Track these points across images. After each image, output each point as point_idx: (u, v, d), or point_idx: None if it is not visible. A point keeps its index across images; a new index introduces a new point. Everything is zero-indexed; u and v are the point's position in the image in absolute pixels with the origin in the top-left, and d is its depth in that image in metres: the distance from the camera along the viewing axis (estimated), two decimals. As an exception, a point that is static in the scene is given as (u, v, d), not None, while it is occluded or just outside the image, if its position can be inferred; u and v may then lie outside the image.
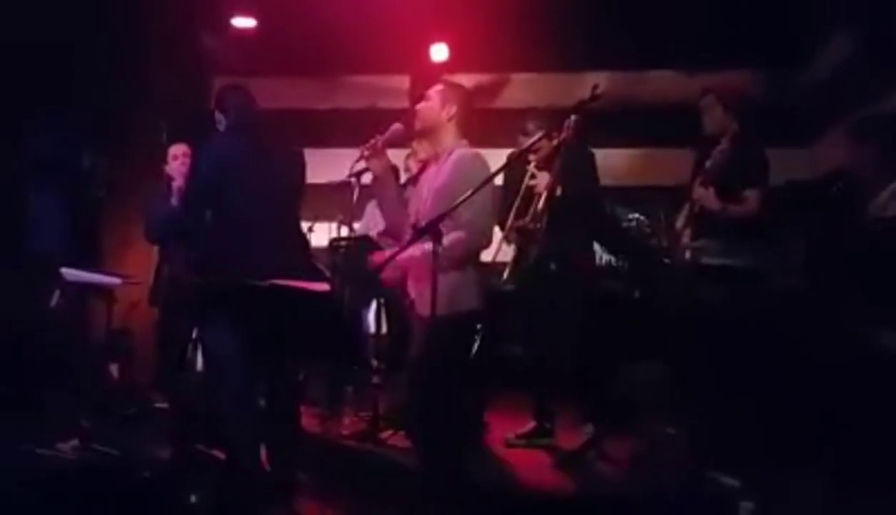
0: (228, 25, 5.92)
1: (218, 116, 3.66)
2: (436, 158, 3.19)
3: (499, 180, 3.48)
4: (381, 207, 3.25)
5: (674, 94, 5.60)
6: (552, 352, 4.20)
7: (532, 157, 4.20)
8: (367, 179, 4.48)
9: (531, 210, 4.13)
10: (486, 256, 4.35)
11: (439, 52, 6.00)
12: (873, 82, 4.64)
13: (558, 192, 4.09)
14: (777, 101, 5.47)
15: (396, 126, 3.11)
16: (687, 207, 4.06)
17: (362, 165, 3.25)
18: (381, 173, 3.13)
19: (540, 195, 4.12)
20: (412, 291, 3.08)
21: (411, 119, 3.19)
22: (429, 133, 3.18)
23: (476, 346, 3.31)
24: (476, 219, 2.93)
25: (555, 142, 4.12)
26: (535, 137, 3.84)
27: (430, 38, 5.98)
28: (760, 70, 5.57)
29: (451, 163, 3.07)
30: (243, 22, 5.90)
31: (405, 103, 6.25)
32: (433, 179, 3.14)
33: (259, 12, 5.87)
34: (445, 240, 2.79)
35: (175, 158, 4.58)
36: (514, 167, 4.23)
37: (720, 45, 5.42)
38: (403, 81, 6.39)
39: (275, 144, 3.68)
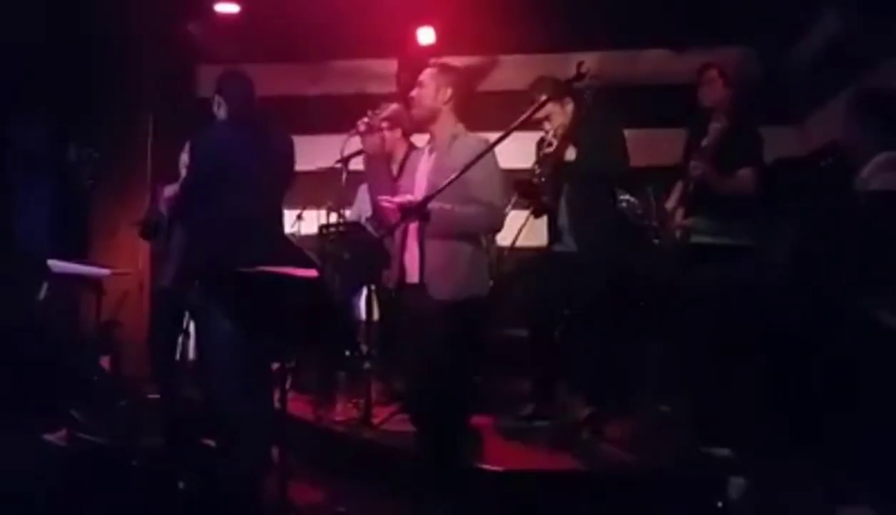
0: (212, 11, 5.85)
1: (218, 99, 3.65)
2: (433, 143, 3.16)
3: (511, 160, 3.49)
4: (371, 186, 3.22)
5: (663, 73, 5.58)
6: (554, 333, 4.19)
7: (548, 125, 4.10)
8: (355, 164, 4.49)
9: (537, 172, 4.03)
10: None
11: (426, 35, 5.95)
12: (861, 60, 4.63)
13: (569, 156, 4.00)
14: (765, 79, 5.45)
15: (394, 106, 3.11)
16: (679, 186, 4.05)
17: (357, 144, 3.23)
18: (374, 152, 3.13)
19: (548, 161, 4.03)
20: (418, 273, 3.03)
21: (408, 103, 3.16)
22: (426, 119, 3.14)
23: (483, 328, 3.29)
24: (491, 200, 2.95)
25: (568, 107, 4.07)
26: (537, 104, 3.75)
27: (417, 22, 5.93)
28: (749, 48, 5.55)
29: (456, 148, 3.03)
30: (226, 7, 5.84)
31: (393, 88, 6.21)
32: (434, 164, 3.09)
33: (242, -3, 5.82)
34: (465, 209, 2.86)
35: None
36: (539, 144, 4.17)
37: (709, 24, 5.40)
38: (391, 66, 6.34)
39: (270, 133, 3.69)
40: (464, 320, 2.96)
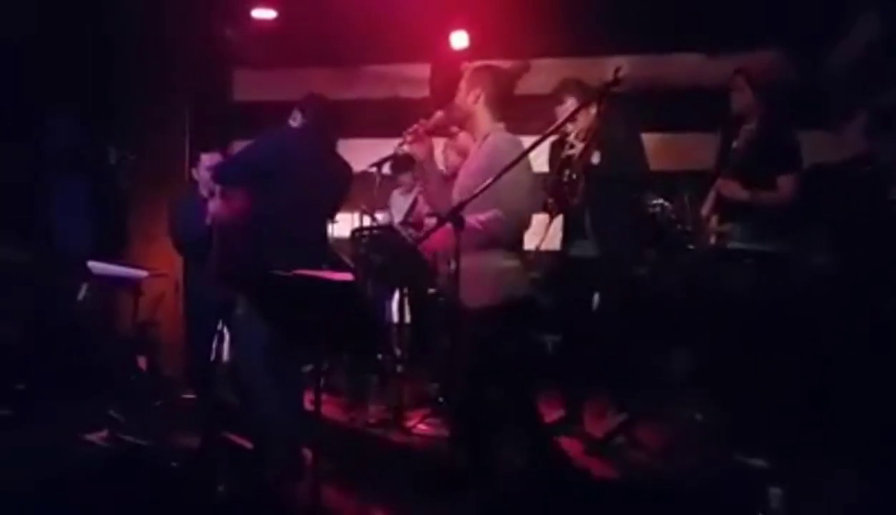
0: (248, 16, 5.93)
1: (296, 113, 3.80)
2: (475, 143, 3.22)
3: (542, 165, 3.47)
4: (424, 192, 3.27)
5: (698, 77, 5.53)
6: (584, 339, 4.17)
7: (571, 127, 4.09)
8: (387, 169, 4.53)
9: (569, 175, 4.03)
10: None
11: (459, 40, 5.98)
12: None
13: (595, 160, 3.99)
14: (802, 83, 5.38)
15: (440, 114, 3.14)
16: (712, 193, 4.01)
17: (404, 149, 3.28)
18: (424, 159, 3.17)
19: (574, 163, 4.02)
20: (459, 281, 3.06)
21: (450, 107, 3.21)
22: (463, 121, 3.22)
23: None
24: (513, 199, 2.94)
25: (592, 110, 4.04)
26: (572, 110, 3.73)
27: (451, 26, 5.95)
28: (785, 52, 5.49)
29: (484, 147, 3.09)
30: (263, 13, 5.91)
31: (426, 92, 6.23)
32: (466, 163, 3.18)
33: (279, 3, 5.88)
34: (482, 216, 2.85)
35: (209, 169, 4.57)
36: (555, 145, 4.18)
37: (744, 27, 5.34)
38: (425, 70, 6.37)
39: (335, 155, 3.86)
40: (493, 327, 2.96)
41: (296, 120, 3.80)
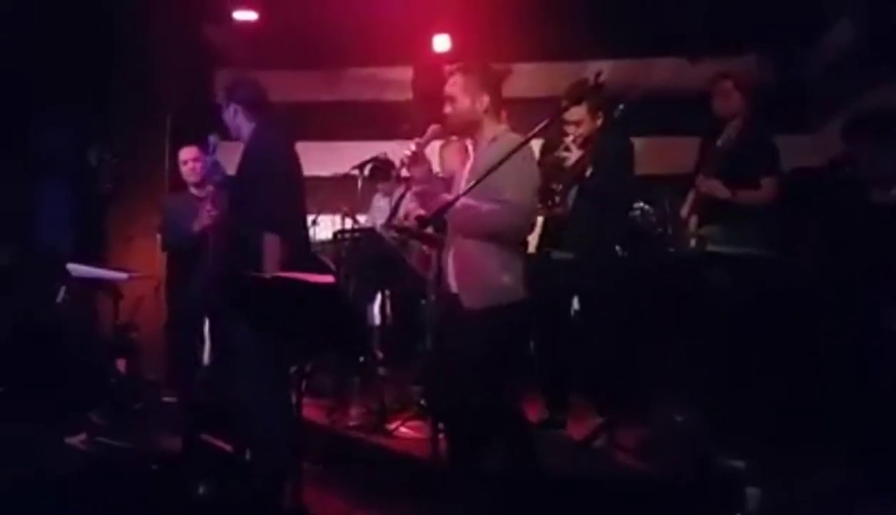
0: (230, 18, 5.91)
1: (248, 106, 3.50)
2: (476, 145, 3.15)
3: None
4: (426, 209, 3.19)
5: (678, 81, 5.57)
6: (565, 343, 4.17)
7: (573, 130, 3.98)
8: (368, 171, 4.52)
9: (556, 186, 3.93)
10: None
11: (441, 43, 5.98)
12: (876, 68, 4.61)
13: (588, 172, 3.93)
14: (780, 87, 5.44)
15: (434, 128, 3.08)
16: (692, 194, 4.04)
17: (403, 172, 3.22)
18: (423, 178, 3.17)
19: (566, 169, 3.95)
20: (454, 282, 3.03)
21: (445, 118, 3.09)
22: (469, 129, 3.12)
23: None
24: (516, 198, 2.88)
25: (599, 122, 3.98)
26: (567, 105, 3.62)
27: (433, 29, 5.96)
28: (764, 57, 5.55)
29: (491, 151, 2.99)
30: (245, 15, 5.89)
31: (408, 95, 6.24)
32: (472, 166, 3.10)
33: (261, 5, 5.86)
34: (487, 205, 2.82)
35: (185, 163, 4.62)
36: (547, 147, 4.11)
37: (724, 33, 5.39)
38: (406, 73, 6.37)
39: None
40: (495, 328, 2.92)
41: (253, 115, 3.49)
